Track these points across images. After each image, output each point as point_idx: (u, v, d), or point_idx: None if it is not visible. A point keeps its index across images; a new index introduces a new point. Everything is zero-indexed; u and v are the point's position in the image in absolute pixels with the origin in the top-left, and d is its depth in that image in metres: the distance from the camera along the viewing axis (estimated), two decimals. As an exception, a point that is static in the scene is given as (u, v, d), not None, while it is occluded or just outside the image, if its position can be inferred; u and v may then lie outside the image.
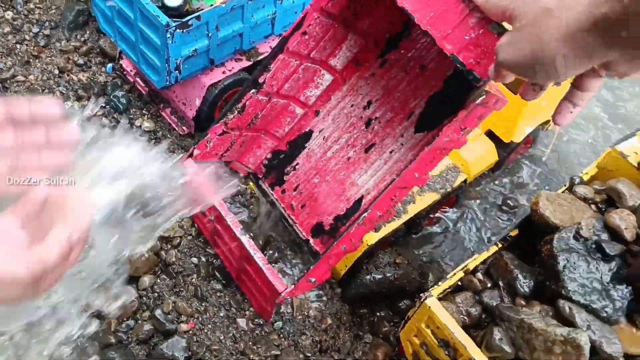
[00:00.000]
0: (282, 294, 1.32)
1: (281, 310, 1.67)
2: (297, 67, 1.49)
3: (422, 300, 1.31)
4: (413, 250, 1.88)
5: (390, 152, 1.67)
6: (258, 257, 1.35)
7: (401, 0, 1.04)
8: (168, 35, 1.61)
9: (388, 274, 1.70)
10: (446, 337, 1.28)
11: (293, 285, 1.33)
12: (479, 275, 1.41)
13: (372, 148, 1.66)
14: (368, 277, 1.69)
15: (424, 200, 1.74)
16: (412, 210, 1.71)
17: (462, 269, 1.40)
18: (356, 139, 1.68)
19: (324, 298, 1.72)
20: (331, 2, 1.30)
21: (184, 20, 1.63)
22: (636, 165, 1.54)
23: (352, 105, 1.64)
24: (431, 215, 1.90)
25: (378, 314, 1.73)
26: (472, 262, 1.42)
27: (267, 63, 1.38)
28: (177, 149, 1.93)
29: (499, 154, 1.98)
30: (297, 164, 1.66)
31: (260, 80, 1.40)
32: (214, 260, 1.71)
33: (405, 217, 1.70)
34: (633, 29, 0.49)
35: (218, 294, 1.66)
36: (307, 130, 1.73)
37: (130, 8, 1.69)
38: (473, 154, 1.88)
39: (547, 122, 2.09)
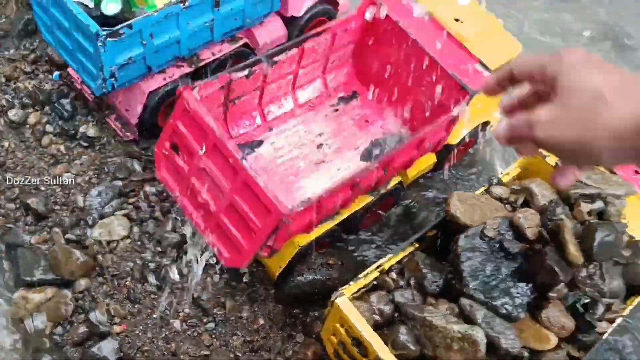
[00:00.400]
0: (285, 214, 1.35)
1: (214, 312, 1.71)
2: (289, 73, 1.80)
3: (333, 300, 1.34)
4: (349, 252, 1.91)
5: (338, 170, 1.78)
6: (260, 179, 1.39)
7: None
8: (99, 43, 1.65)
9: (320, 275, 1.73)
10: (357, 336, 1.32)
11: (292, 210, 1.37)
12: (393, 274, 1.44)
13: (322, 164, 1.77)
14: (300, 278, 1.72)
15: (357, 203, 1.77)
16: (345, 212, 1.75)
17: (376, 268, 1.43)
18: (307, 155, 1.77)
19: (258, 299, 1.76)
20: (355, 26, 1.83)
21: (114, 29, 1.67)
22: (554, 165, 1.57)
23: (305, 131, 1.79)
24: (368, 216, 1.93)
25: (311, 314, 1.76)
26: (387, 262, 1.45)
27: (286, 48, 1.72)
28: (121, 155, 1.96)
29: (438, 156, 2.01)
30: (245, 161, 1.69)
31: (275, 59, 1.69)
32: (149, 264, 1.74)
33: (338, 219, 1.73)
34: None
35: (152, 295, 1.70)
36: (258, 139, 1.79)
37: (65, 18, 1.73)
38: (410, 157, 1.92)
39: (486, 123, 2.12)
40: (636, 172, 1.70)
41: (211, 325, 1.68)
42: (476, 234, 1.35)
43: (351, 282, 1.38)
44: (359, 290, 1.42)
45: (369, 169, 1.51)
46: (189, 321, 1.68)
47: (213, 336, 1.67)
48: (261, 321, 1.71)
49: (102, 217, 1.78)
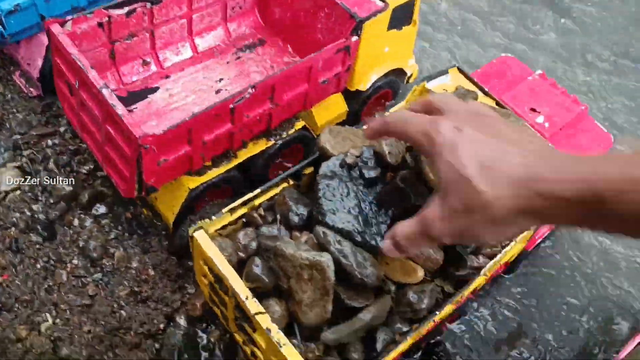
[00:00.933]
0: (140, 138, 1.31)
1: (102, 262, 1.65)
2: (181, 16, 1.73)
3: (191, 234, 1.26)
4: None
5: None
6: (118, 108, 1.35)
7: None
8: (-21, -14, 1.60)
9: (215, 224, 1.66)
10: (214, 271, 1.24)
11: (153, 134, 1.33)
12: (261, 210, 1.36)
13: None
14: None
15: (257, 146, 1.70)
16: (243, 155, 1.67)
17: (243, 203, 1.34)
18: (203, 101, 1.69)
19: (150, 250, 1.69)
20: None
21: (-6, -29, 1.63)
22: None
23: (204, 77, 1.72)
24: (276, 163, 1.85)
25: (207, 265, 1.69)
26: (257, 198, 1.37)
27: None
28: (24, 110, 1.92)
29: (350, 106, 1.93)
30: (136, 108, 1.65)
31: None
32: (39, 215, 1.69)
33: (234, 161, 1.66)
34: (558, 217, 0.53)
35: (37, 246, 1.64)
36: (154, 86, 1.72)
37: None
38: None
39: (410, 75, 2.04)
40: (532, 109, 1.60)
41: (98, 275, 1.62)
42: (338, 161, 1.27)
43: (213, 217, 1.29)
44: (225, 227, 1.34)
45: (244, 92, 1.43)
46: (75, 272, 1.62)
47: (99, 286, 1.60)
48: (151, 272, 1.64)
49: (-8, 168, 1.73)
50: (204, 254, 1.20)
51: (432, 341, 1.64)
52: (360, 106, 1.98)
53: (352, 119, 2.00)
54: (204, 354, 1.57)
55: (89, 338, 1.49)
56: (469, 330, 1.69)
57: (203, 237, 1.21)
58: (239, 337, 1.32)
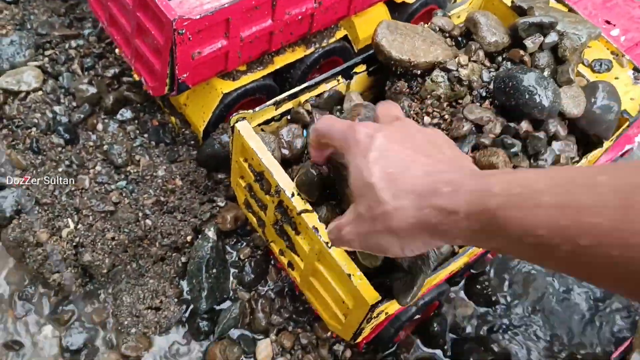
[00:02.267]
0: (175, 21, 1.18)
1: (127, 169, 1.54)
2: None
3: (232, 124, 1.13)
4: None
5: None
6: None
7: None
8: None
9: (248, 135, 1.54)
10: (256, 167, 1.11)
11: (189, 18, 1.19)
12: (308, 106, 1.23)
13: None
14: (224, 137, 1.53)
15: (295, 53, 1.57)
16: (280, 61, 1.54)
17: (289, 97, 1.20)
18: None
19: (178, 160, 1.58)
20: None
21: None
22: (509, 4, 1.32)
23: None
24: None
25: (238, 179, 1.58)
26: (304, 94, 1.23)
27: None
28: (47, 12, 1.79)
29: (395, 18, 1.78)
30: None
31: None
32: (61, 118, 1.58)
33: (270, 67, 1.53)
34: (474, 240, 0.51)
35: (59, 149, 1.53)
36: None
37: None
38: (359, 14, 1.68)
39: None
40: (607, 22, 1.44)
41: (122, 183, 1.51)
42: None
43: (257, 108, 1.15)
44: (268, 122, 1.21)
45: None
46: (98, 178, 1.51)
47: (123, 194, 1.50)
48: (179, 182, 1.53)
49: (13, 67, 1.62)
50: (246, 146, 1.07)
51: (476, 271, 1.53)
52: (405, 21, 1.82)
53: (396, 35, 1.85)
54: (233, 270, 1.47)
55: (113, 245, 1.40)
56: (510, 265, 1.58)
57: (246, 128, 1.08)
58: (275, 247, 1.21)
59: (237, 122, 1.10)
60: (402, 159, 0.56)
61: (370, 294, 0.89)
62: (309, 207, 0.98)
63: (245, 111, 1.10)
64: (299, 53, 1.57)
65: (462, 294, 1.49)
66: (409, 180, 0.54)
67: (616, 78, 1.21)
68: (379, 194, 0.54)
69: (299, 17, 1.44)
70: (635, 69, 1.21)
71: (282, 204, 1.05)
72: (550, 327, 1.47)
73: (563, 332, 1.47)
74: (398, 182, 0.54)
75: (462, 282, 1.50)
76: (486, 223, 0.47)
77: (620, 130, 1.15)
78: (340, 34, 1.62)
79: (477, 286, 1.49)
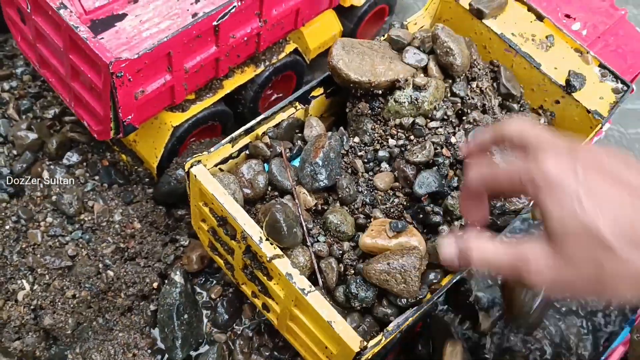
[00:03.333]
0: (112, 64, 1.09)
1: (81, 218, 1.44)
2: None
3: (187, 170, 1.05)
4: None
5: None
6: (81, 30, 1.11)
7: None
8: None
9: (206, 167, 1.46)
10: (218, 212, 1.04)
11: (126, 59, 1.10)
12: (266, 139, 1.15)
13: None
14: (180, 172, 1.45)
15: (245, 74, 1.48)
16: (229, 85, 1.46)
17: (245, 132, 1.13)
18: (179, 27, 1.41)
19: (134, 201, 1.49)
20: None
21: None
22: (468, 8, 1.26)
23: (178, 0, 1.43)
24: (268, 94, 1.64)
25: (200, 213, 1.49)
26: (261, 126, 1.16)
27: None
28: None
29: (344, 24, 1.71)
30: (102, 38, 1.39)
31: None
32: (2, 170, 1.47)
33: (220, 92, 1.44)
34: None
35: (3, 204, 1.42)
36: (120, 12, 1.45)
37: None
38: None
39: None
40: (567, 15, 1.40)
41: (77, 233, 1.42)
42: None
43: (212, 149, 1.08)
44: (225, 161, 1.13)
45: (229, 6, 1.20)
46: (50, 231, 1.41)
47: (79, 246, 1.40)
48: (137, 225, 1.44)
49: (-60, 121, 1.50)
50: (204, 191, 1.00)
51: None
52: (355, 25, 1.75)
53: (348, 40, 1.78)
54: (206, 312, 1.39)
55: (74, 303, 1.31)
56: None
57: (202, 172, 1.00)
58: (247, 289, 1.14)
59: (192, 166, 1.02)
60: (622, 198, 0.49)
61: (354, 340, 0.84)
62: (280, 253, 0.92)
63: (200, 154, 1.03)
64: (248, 74, 1.48)
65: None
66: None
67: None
68: (609, 242, 0.48)
69: (245, 38, 1.35)
70: (601, 65, 1.17)
71: (250, 250, 0.99)
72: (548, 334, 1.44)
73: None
74: (635, 230, 0.48)
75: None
76: None
77: (594, 132, 1.12)
78: (289, 47, 1.54)
79: (460, 297, 1.45)
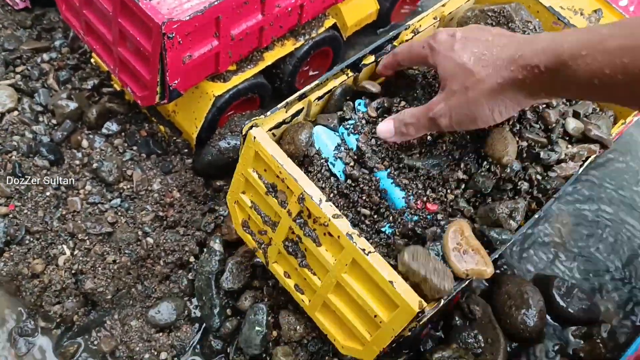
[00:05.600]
0: (164, 25, 1.09)
1: (119, 186, 1.45)
2: None
3: (245, 132, 1.02)
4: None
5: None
6: None
7: None
8: None
9: (245, 138, 1.46)
10: (275, 175, 1.01)
11: (178, 20, 1.12)
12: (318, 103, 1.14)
13: None
14: (222, 143, 1.45)
15: (285, 47, 1.49)
16: (270, 57, 1.46)
17: (299, 97, 1.10)
18: None
19: (172, 171, 1.50)
20: None
21: None
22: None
23: None
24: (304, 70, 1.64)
25: (238, 185, 1.50)
26: (313, 93, 1.12)
27: None
28: (11, 25, 1.67)
29: (380, 3, 1.71)
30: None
31: None
32: (42, 138, 1.48)
33: (261, 64, 1.45)
34: (552, 90, 0.64)
35: (43, 171, 1.43)
36: None
37: None
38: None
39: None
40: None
41: (116, 201, 1.42)
42: None
43: (268, 113, 1.05)
44: (278, 125, 1.10)
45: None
46: (90, 198, 1.42)
47: (119, 213, 1.41)
48: (176, 194, 1.45)
49: (-18, 88, 1.51)
50: (263, 153, 0.97)
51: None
52: (391, 4, 1.76)
53: (382, 19, 1.79)
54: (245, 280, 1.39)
55: (115, 269, 1.31)
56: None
57: (261, 134, 0.98)
58: (279, 268, 1.12)
59: (250, 129, 1.00)
60: (482, 43, 0.69)
61: (415, 300, 0.84)
62: (339, 213, 0.91)
63: (257, 117, 1.01)
64: (288, 47, 1.49)
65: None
66: (494, 53, 0.66)
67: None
68: (471, 68, 0.67)
69: (289, 9, 1.36)
70: None
71: (301, 215, 0.97)
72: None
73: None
74: (485, 57, 0.67)
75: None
76: (562, 74, 0.60)
77: (631, 116, 1.11)
78: (328, 22, 1.55)
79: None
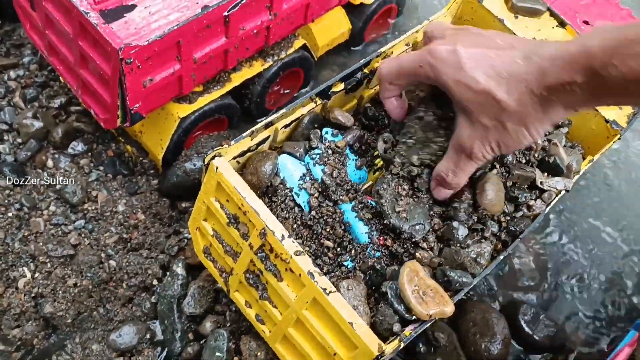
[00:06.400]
0: (121, 50, 1.09)
1: (84, 207, 1.43)
2: None
3: (207, 162, 1.00)
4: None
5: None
6: (92, 16, 1.12)
7: None
8: None
9: (211, 160, 1.45)
10: (237, 206, 0.99)
11: (136, 46, 1.11)
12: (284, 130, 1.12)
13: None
14: (188, 164, 1.44)
15: (253, 68, 1.48)
16: (237, 78, 1.45)
17: (265, 125, 1.08)
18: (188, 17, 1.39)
19: (138, 192, 1.48)
20: None
21: None
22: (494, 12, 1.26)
23: None
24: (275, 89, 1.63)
25: (204, 206, 1.49)
26: (280, 121, 1.11)
27: None
28: None
29: (353, 23, 1.71)
30: (111, 28, 1.38)
31: None
32: (6, 157, 1.46)
33: (228, 86, 1.44)
34: (586, 102, 0.62)
35: (6, 191, 1.42)
36: (130, 3, 1.44)
37: None
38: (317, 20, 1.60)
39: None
40: (585, 22, 1.39)
41: (80, 222, 1.41)
42: None
43: (232, 142, 1.03)
44: (243, 154, 1.08)
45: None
46: (53, 219, 1.40)
47: (82, 235, 1.39)
48: (141, 216, 1.44)
49: (-55, 108, 1.49)
50: (225, 184, 0.95)
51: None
52: (363, 24, 1.76)
53: (355, 38, 1.78)
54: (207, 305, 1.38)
55: (75, 292, 1.30)
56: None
57: (223, 164, 0.96)
58: (240, 297, 1.10)
59: (212, 159, 0.98)
60: (490, 58, 0.64)
61: (374, 342, 0.82)
62: (301, 250, 0.89)
63: (220, 146, 0.99)
64: (256, 68, 1.48)
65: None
66: (514, 72, 0.62)
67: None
68: (496, 96, 0.62)
69: (254, 31, 1.35)
70: None
71: (263, 249, 0.95)
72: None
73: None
74: (506, 79, 0.62)
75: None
76: (594, 84, 0.57)
77: (611, 142, 1.11)
78: (298, 43, 1.54)
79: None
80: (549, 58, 0.60)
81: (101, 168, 1.49)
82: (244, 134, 1.00)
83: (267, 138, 1.04)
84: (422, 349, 1.32)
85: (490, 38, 0.67)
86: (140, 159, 1.49)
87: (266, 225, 0.89)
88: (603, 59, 0.55)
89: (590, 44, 0.56)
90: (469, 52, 0.65)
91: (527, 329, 1.38)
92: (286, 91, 1.65)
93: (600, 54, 0.55)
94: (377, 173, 1.11)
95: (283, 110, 1.04)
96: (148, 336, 1.35)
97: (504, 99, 0.62)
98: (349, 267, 0.98)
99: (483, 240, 0.95)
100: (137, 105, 1.23)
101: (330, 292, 0.84)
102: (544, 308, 1.48)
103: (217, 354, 1.26)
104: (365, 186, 1.07)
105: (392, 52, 1.13)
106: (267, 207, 0.96)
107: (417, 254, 0.92)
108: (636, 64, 0.53)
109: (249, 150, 1.02)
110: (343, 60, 1.80)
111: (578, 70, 0.57)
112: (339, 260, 0.99)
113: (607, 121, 1.11)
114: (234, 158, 1.01)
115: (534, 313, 1.39)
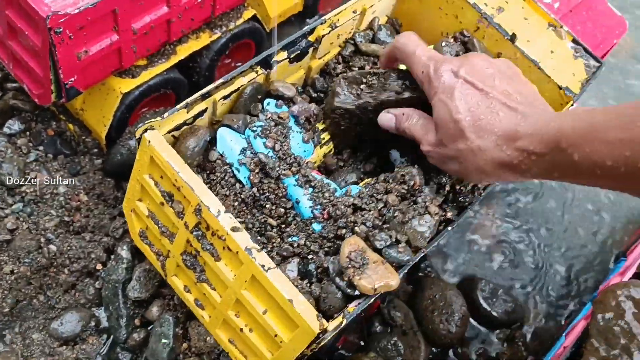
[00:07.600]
0: (49, 18, 1.00)
1: (21, 189, 1.35)
2: None
3: (138, 136, 0.94)
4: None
5: None
6: None
7: None
8: None
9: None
10: (171, 183, 0.93)
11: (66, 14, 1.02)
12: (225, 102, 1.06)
13: None
14: (133, 142, 1.37)
15: (200, 40, 1.41)
16: (183, 51, 1.38)
17: (201, 96, 1.01)
18: None
19: (80, 172, 1.41)
20: None
21: None
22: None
23: None
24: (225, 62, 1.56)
25: (152, 187, 1.42)
26: (219, 91, 1.04)
27: None
28: None
29: (305, -6, 1.64)
30: None
31: None
32: (-64, 137, 1.37)
33: (173, 59, 1.36)
34: (549, 175, 0.62)
35: (-64, 175, 1.33)
36: None
37: None
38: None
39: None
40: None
41: (18, 206, 1.33)
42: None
43: (165, 114, 0.97)
44: (179, 127, 1.01)
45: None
46: (-10, 205, 1.32)
47: (20, 219, 1.32)
48: (84, 197, 1.36)
49: None
50: (158, 159, 0.89)
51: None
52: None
53: (310, 10, 1.72)
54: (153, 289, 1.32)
55: (13, 280, 1.23)
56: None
57: (156, 138, 0.89)
58: (178, 282, 1.04)
59: (144, 132, 0.92)
60: (482, 99, 0.64)
61: (315, 320, 0.78)
62: (239, 225, 0.84)
63: (153, 119, 0.93)
64: (204, 40, 1.41)
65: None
66: (492, 121, 0.63)
67: (552, 52, 1.12)
68: (465, 132, 0.64)
69: (199, 0, 1.28)
70: (574, 41, 1.12)
71: (199, 227, 0.90)
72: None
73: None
74: (482, 122, 0.63)
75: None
76: (561, 161, 0.57)
77: (565, 109, 1.07)
78: (248, 14, 1.47)
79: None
80: (529, 126, 0.61)
81: (41, 148, 1.41)
82: (177, 106, 0.94)
83: (206, 110, 0.98)
84: (378, 329, 1.29)
85: (493, 78, 0.68)
86: (83, 137, 1.41)
87: (201, 201, 0.83)
88: (571, 140, 0.56)
89: (562, 121, 0.58)
90: (466, 81, 0.67)
91: (485, 305, 1.36)
92: (237, 64, 1.58)
93: (571, 133, 0.56)
94: (323, 148, 1.06)
95: (221, 80, 0.98)
96: (92, 323, 1.29)
97: (471, 139, 0.64)
98: (294, 242, 0.93)
99: (427, 213, 0.91)
100: (72, 79, 1.15)
101: (269, 268, 0.79)
102: (502, 284, 1.45)
103: (163, 340, 1.20)
104: (309, 160, 1.02)
105: (337, 20, 1.08)
106: (206, 184, 0.91)
107: (356, 229, 0.88)
108: (604, 150, 0.54)
109: (184, 123, 0.96)
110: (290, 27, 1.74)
111: (546, 144, 0.58)
112: (284, 236, 0.94)
113: (560, 88, 1.08)
114: (170, 132, 0.95)
115: (492, 289, 1.37)
